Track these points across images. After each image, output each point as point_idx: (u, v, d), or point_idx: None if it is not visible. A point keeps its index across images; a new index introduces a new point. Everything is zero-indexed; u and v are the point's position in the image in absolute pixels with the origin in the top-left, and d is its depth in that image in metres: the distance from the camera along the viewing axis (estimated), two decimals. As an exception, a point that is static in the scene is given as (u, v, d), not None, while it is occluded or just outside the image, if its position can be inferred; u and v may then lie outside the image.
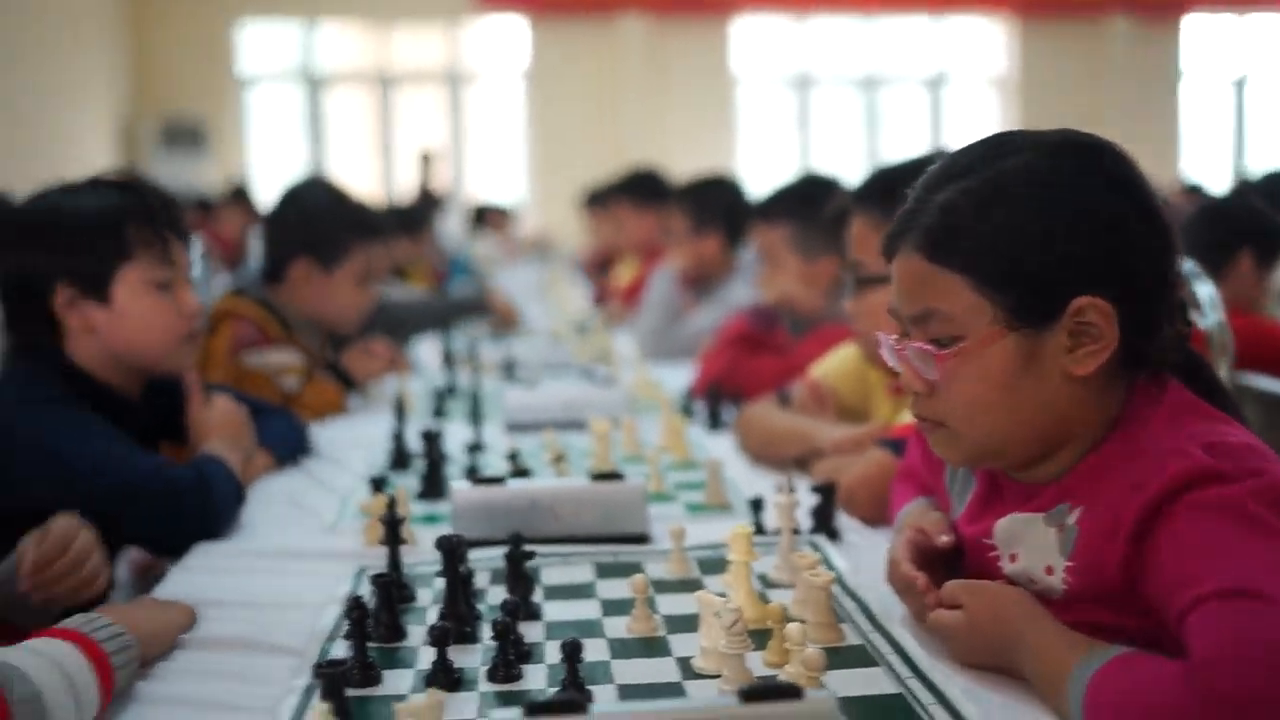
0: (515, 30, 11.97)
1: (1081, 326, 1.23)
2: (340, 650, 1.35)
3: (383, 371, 3.22)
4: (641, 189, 5.46)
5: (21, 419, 1.82)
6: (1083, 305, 1.22)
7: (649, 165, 5.99)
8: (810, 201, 2.84)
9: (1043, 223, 1.24)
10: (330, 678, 1.13)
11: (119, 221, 1.93)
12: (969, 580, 1.31)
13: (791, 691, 0.94)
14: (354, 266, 2.95)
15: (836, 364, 2.34)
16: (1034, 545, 1.27)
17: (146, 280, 1.94)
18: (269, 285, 2.96)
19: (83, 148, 9.79)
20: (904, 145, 11.38)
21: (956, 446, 1.33)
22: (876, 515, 1.81)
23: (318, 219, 2.98)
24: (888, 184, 1.95)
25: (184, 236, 2.03)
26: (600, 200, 6.42)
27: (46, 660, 1.16)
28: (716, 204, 3.90)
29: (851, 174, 3.19)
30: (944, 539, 1.39)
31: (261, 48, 11.90)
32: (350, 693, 1.20)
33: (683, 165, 7.55)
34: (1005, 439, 1.29)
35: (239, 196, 9.16)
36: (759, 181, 4.18)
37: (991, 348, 1.25)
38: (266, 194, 8.85)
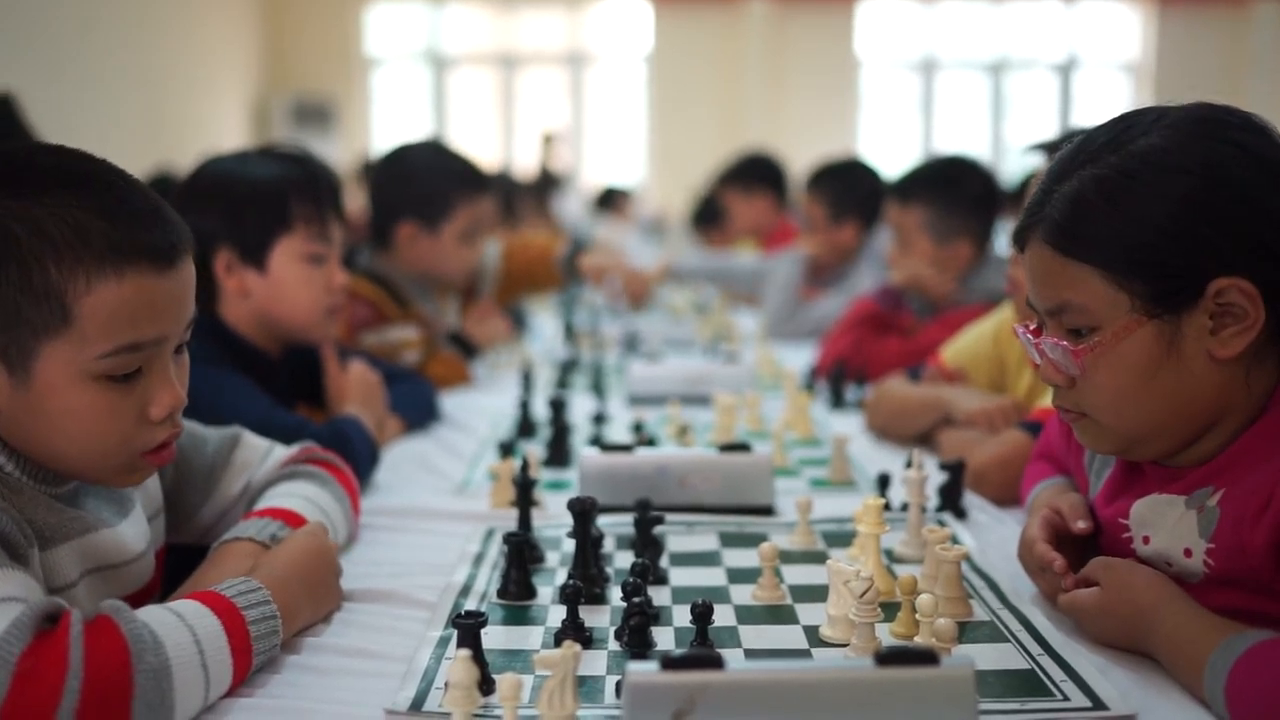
0: (637, 13, 12.00)
1: (1224, 308, 1.18)
2: (473, 604, 1.39)
3: (502, 335, 3.25)
4: (747, 174, 5.38)
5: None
6: (1223, 287, 1.17)
7: (757, 148, 5.86)
8: (947, 184, 2.80)
9: (1175, 208, 1.18)
10: (468, 628, 1.15)
11: (284, 193, 2.00)
12: (1103, 558, 1.29)
13: (928, 657, 0.94)
14: (459, 223, 2.90)
15: (967, 345, 2.31)
16: (1171, 527, 1.25)
17: (302, 252, 2.01)
18: (377, 252, 2.96)
19: (217, 125, 10.07)
20: (1031, 131, 11.10)
21: (1102, 437, 1.29)
22: (1005, 496, 1.79)
23: (419, 179, 2.94)
24: None
25: (340, 213, 2.09)
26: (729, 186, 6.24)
27: (188, 631, 1.11)
28: (855, 192, 3.82)
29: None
30: (1081, 524, 1.36)
31: (389, 29, 12.11)
32: (485, 645, 1.23)
33: (803, 150, 7.49)
34: (1151, 427, 1.25)
35: (366, 173, 9.34)
36: (880, 167, 4.09)
37: (1129, 338, 1.21)
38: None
